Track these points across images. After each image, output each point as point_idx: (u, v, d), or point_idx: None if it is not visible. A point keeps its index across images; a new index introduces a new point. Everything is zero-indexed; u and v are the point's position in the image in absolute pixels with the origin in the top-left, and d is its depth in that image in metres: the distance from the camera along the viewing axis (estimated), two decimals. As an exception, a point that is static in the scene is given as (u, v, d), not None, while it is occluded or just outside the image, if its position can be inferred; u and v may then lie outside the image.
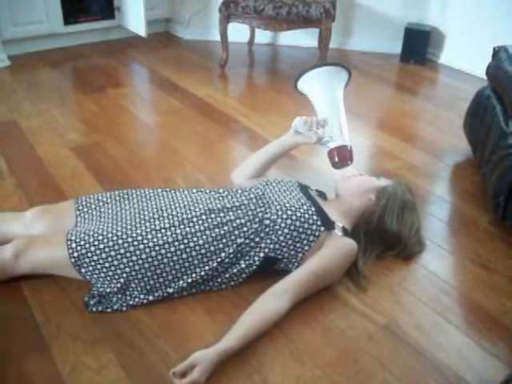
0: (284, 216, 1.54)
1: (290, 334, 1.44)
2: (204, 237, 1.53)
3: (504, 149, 1.91)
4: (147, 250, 1.48)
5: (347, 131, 1.72)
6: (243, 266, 1.55)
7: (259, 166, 1.86)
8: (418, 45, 3.72)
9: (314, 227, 1.55)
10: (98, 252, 1.47)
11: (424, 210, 2.02)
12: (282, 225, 1.54)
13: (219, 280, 1.56)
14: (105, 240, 1.48)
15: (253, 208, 1.59)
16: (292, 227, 1.54)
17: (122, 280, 1.49)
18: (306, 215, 1.56)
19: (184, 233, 1.52)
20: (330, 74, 1.76)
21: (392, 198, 1.69)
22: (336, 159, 1.69)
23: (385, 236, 1.70)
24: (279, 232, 1.54)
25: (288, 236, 1.54)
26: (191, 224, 1.54)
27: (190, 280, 1.52)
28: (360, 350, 1.41)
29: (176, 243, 1.50)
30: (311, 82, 1.77)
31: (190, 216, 1.57)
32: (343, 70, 1.77)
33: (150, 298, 1.52)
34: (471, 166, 2.38)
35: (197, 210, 1.59)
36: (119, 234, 1.50)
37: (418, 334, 1.47)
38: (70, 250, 1.48)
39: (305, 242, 1.55)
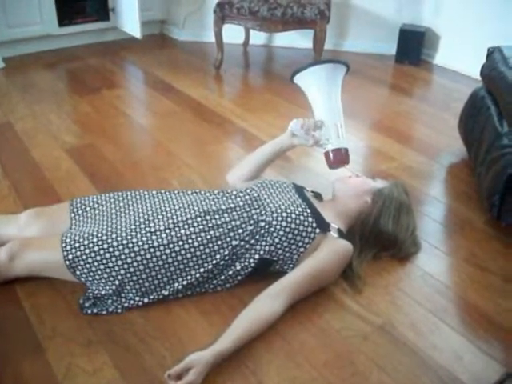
0: (279, 218, 1.54)
1: (286, 336, 1.44)
2: (199, 239, 1.52)
3: (498, 149, 1.92)
4: (142, 251, 1.48)
5: (345, 130, 1.72)
6: (238, 268, 1.55)
7: (254, 167, 1.86)
8: (413, 46, 3.73)
9: (310, 229, 1.55)
10: (92, 254, 1.47)
11: (419, 210, 2.02)
12: (278, 227, 1.53)
13: (214, 282, 1.56)
14: (99, 242, 1.48)
15: (248, 210, 1.59)
16: (287, 229, 1.54)
17: (116, 282, 1.48)
18: (302, 217, 1.55)
19: (179, 235, 1.52)
20: (327, 74, 1.73)
21: (388, 200, 1.69)
22: (332, 161, 1.72)
23: (380, 237, 1.70)
24: (274, 234, 1.53)
25: (283, 238, 1.54)
26: (186, 226, 1.54)
27: (185, 282, 1.52)
28: (355, 350, 1.41)
29: (171, 245, 1.50)
30: (308, 81, 1.75)
31: (185, 218, 1.56)
32: (341, 66, 1.74)
33: (145, 300, 1.51)
34: (466, 166, 2.38)
35: (192, 211, 1.59)
36: (114, 236, 1.50)
37: (413, 334, 1.47)
38: (65, 253, 1.47)
39: (300, 243, 1.55)
